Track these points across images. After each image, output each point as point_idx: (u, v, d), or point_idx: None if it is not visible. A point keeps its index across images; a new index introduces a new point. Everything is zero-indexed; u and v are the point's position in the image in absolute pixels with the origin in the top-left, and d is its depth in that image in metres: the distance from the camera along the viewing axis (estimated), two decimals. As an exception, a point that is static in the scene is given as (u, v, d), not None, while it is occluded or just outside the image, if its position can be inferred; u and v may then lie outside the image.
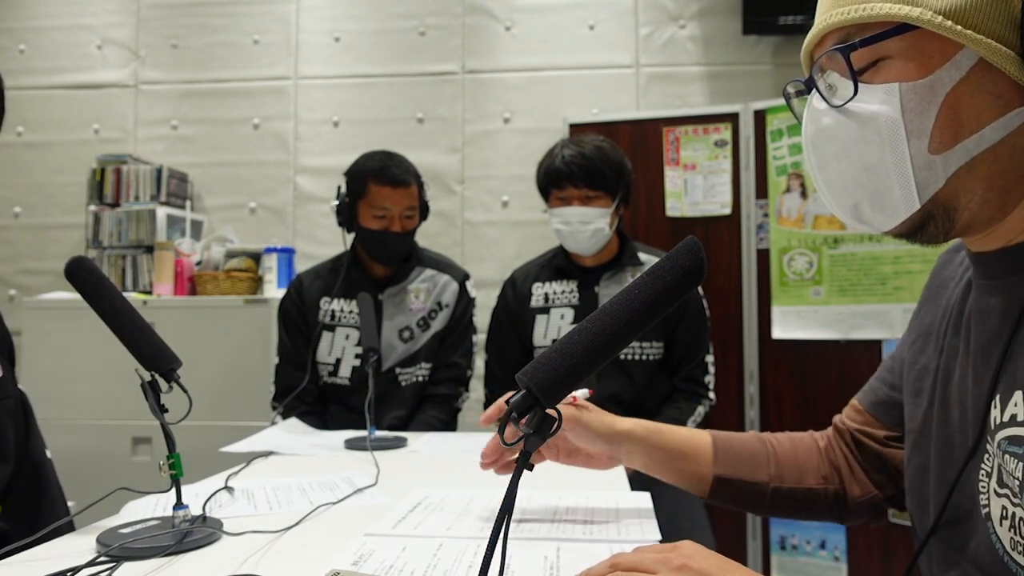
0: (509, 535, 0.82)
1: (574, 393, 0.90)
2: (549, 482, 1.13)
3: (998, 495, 0.60)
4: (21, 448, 1.09)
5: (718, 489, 0.91)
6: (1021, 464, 0.57)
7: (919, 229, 0.63)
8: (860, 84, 0.62)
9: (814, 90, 0.66)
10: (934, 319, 0.77)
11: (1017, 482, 0.57)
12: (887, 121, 0.60)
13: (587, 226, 1.85)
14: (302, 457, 1.39)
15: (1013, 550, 0.58)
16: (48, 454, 1.16)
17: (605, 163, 1.84)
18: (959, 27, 0.57)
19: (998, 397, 0.61)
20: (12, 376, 1.08)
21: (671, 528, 0.90)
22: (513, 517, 0.90)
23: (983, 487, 0.62)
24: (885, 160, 0.61)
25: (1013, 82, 0.57)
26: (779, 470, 0.90)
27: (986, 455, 0.62)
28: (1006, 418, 0.60)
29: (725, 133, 2.50)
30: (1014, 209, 0.62)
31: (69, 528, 0.89)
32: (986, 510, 0.62)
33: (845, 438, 0.91)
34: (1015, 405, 0.59)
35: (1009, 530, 0.58)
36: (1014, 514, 0.58)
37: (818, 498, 0.89)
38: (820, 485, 0.89)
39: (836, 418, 0.95)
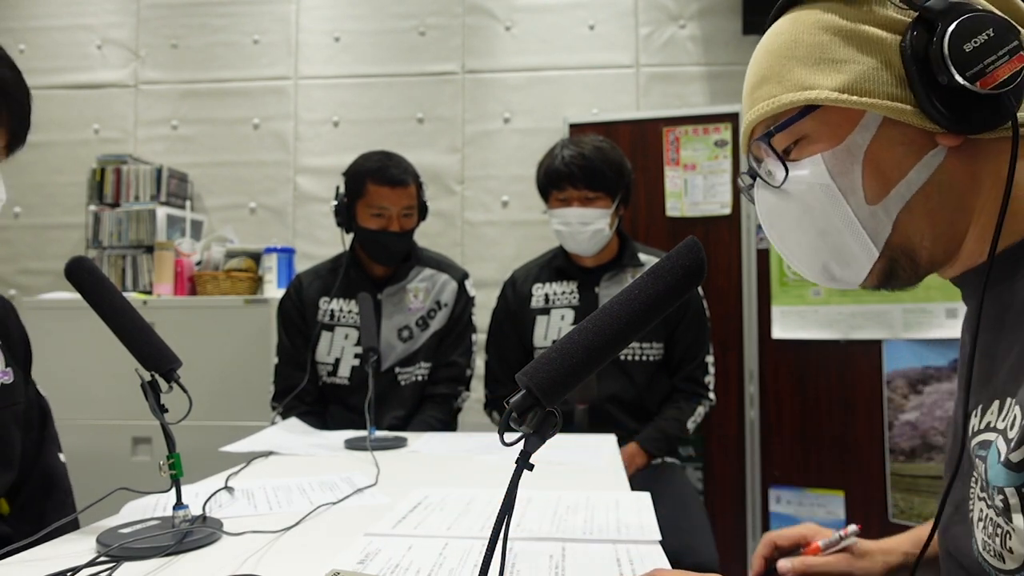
0: (512, 535, 0.83)
1: (848, 530, 0.86)
2: (549, 482, 1.13)
3: (979, 499, 0.62)
4: (32, 453, 1.09)
5: None
6: (984, 466, 0.59)
7: (889, 276, 0.69)
8: (789, 163, 0.69)
9: (757, 177, 0.73)
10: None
11: (985, 483, 0.59)
12: (822, 187, 0.67)
13: (587, 227, 1.85)
14: (302, 457, 1.39)
15: (984, 550, 0.60)
16: (62, 458, 1.16)
17: (605, 164, 1.84)
18: (855, 97, 0.64)
19: (980, 407, 0.63)
20: (23, 381, 1.08)
21: (671, 528, 0.90)
22: (515, 517, 0.91)
23: (971, 493, 0.65)
24: (833, 220, 0.67)
25: (919, 129, 0.63)
26: None
27: (977, 459, 0.64)
28: (982, 425, 0.62)
29: (725, 133, 2.50)
30: (965, 237, 0.66)
31: (70, 528, 0.89)
32: (971, 514, 0.64)
33: None
34: (991, 413, 0.61)
35: (982, 531, 0.60)
36: (987, 515, 0.59)
37: None
38: None
39: None
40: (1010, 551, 0.56)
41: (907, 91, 0.62)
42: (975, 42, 0.59)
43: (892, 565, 0.87)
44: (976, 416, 0.64)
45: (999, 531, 0.57)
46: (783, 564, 0.87)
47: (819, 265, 0.72)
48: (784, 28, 0.70)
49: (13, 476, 1.03)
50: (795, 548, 0.90)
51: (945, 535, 0.71)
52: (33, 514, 1.05)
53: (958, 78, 0.58)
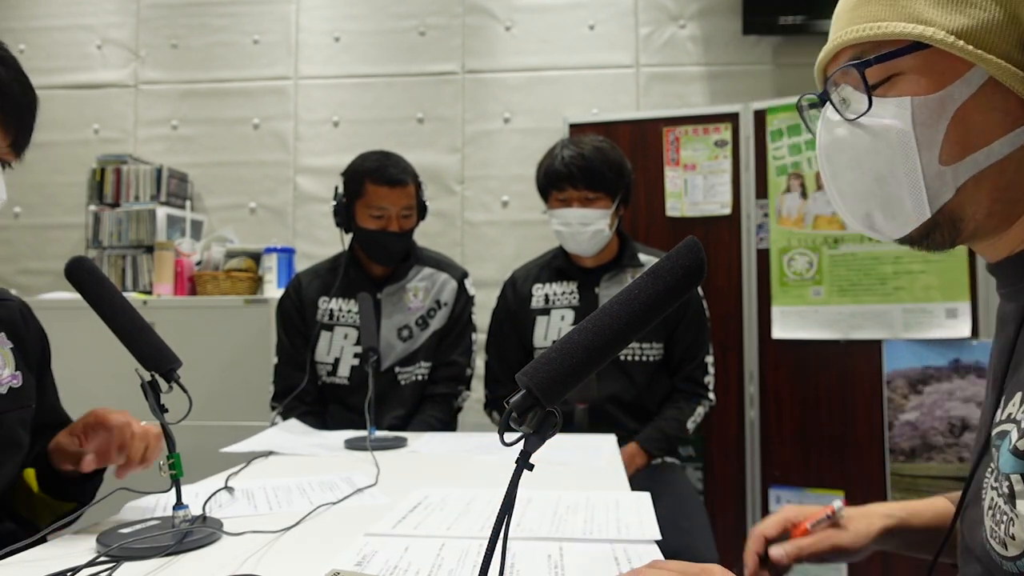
0: (512, 535, 0.83)
1: (834, 507, 0.86)
2: (549, 482, 1.13)
3: (991, 488, 0.62)
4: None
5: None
6: (997, 453, 0.59)
7: (925, 237, 0.66)
8: (874, 98, 0.64)
9: (828, 103, 0.68)
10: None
11: (997, 471, 0.59)
12: (899, 133, 0.62)
13: (587, 228, 1.85)
14: (302, 457, 1.39)
15: (991, 537, 0.60)
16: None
17: (605, 164, 1.84)
18: (970, 47, 0.59)
19: (1004, 398, 0.63)
20: (35, 385, 1.07)
21: (671, 528, 0.90)
22: (515, 517, 0.90)
23: (986, 483, 0.64)
24: (897, 171, 0.63)
25: (1019, 99, 0.59)
26: None
27: (995, 449, 0.65)
28: (1003, 416, 0.62)
29: (725, 133, 2.50)
30: (1017, 220, 0.64)
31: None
32: (983, 503, 0.64)
33: None
34: (1013, 405, 0.60)
35: (991, 518, 0.60)
36: (996, 503, 0.59)
37: None
38: None
39: None
40: (1012, 538, 0.56)
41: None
42: None
43: (875, 529, 0.87)
44: (1001, 407, 0.63)
45: (1004, 518, 0.57)
46: (775, 552, 0.85)
47: (863, 211, 0.68)
48: None
49: (17, 469, 1.03)
50: (783, 535, 0.88)
51: (963, 523, 0.71)
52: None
53: None
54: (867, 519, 0.87)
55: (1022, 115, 0.60)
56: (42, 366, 1.12)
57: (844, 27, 0.66)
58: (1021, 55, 0.59)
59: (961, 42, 0.59)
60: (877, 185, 0.65)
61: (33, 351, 1.09)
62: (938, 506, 0.91)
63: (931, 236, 0.65)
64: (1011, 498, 0.55)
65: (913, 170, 0.63)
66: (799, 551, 0.84)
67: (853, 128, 0.66)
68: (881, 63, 0.63)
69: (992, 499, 0.61)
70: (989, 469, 0.64)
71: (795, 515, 0.89)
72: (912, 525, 0.88)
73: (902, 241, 0.68)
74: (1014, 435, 0.56)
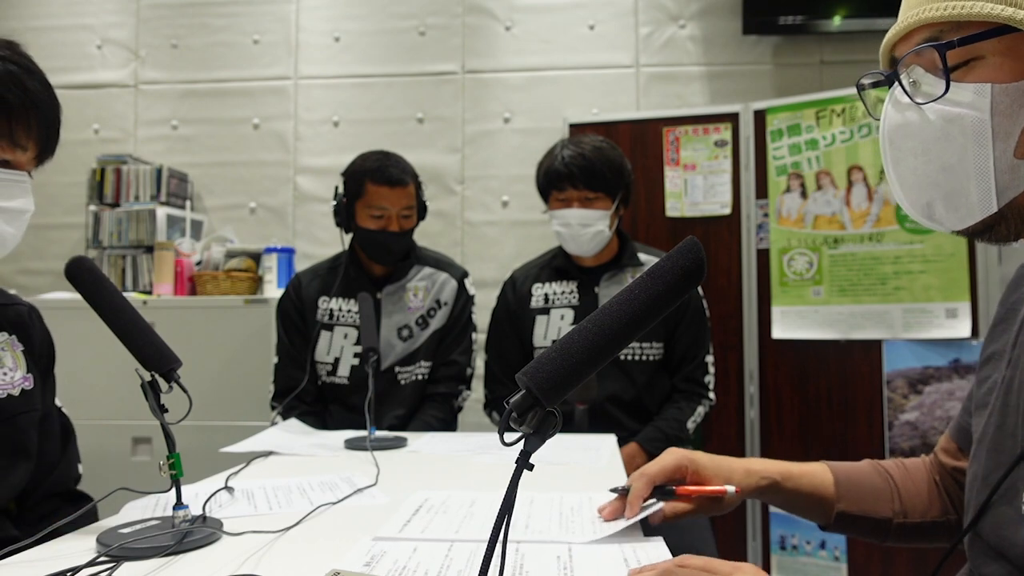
0: (520, 537, 0.83)
1: (726, 489, 0.89)
2: (549, 483, 1.13)
3: None
4: (49, 463, 1.09)
5: (840, 522, 0.91)
6: None
7: (989, 229, 0.63)
8: (951, 82, 0.60)
9: (896, 85, 0.65)
10: (1008, 336, 0.77)
11: None
12: (974, 121, 0.59)
13: (587, 228, 1.85)
14: (302, 457, 1.39)
15: None
16: (80, 469, 1.16)
17: (605, 164, 1.84)
18: None
19: None
20: (42, 390, 1.08)
21: (671, 528, 0.90)
22: (521, 519, 0.91)
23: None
24: (966, 161, 0.60)
25: None
26: (903, 505, 0.90)
27: None
28: None
29: (725, 133, 2.50)
30: None
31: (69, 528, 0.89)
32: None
33: (941, 468, 0.92)
34: None
35: None
36: None
37: (940, 529, 0.89)
38: (942, 517, 0.89)
39: (936, 447, 0.95)
40: None
41: None
42: None
43: (745, 496, 0.89)
44: None
45: None
46: (655, 518, 0.87)
47: (924, 200, 0.65)
48: None
49: (31, 466, 1.03)
50: (670, 489, 0.90)
51: (985, 521, 0.69)
52: (45, 522, 1.05)
53: None
54: (741, 488, 0.89)
55: None
56: (47, 368, 1.12)
57: (920, 4, 0.62)
58: None
59: None
60: (943, 175, 0.62)
61: (41, 354, 1.10)
62: (816, 473, 0.93)
63: (994, 229, 0.63)
64: None
65: (984, 161, 0.59)
66: (675, 515, 0.87)
67: (923, 113, 0.62)
68: (964, 46, 0.59)
69: None
70: None
71: (689, 465, 0.90)
72: (785, 488, 0.90)
73: (962, 234, 0.65)
74: None
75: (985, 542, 0.69)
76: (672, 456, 0.91)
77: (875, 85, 0.69)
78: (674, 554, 0.79)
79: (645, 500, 0.88)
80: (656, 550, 0.80)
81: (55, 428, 1.12)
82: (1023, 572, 0.62)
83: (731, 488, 0.88)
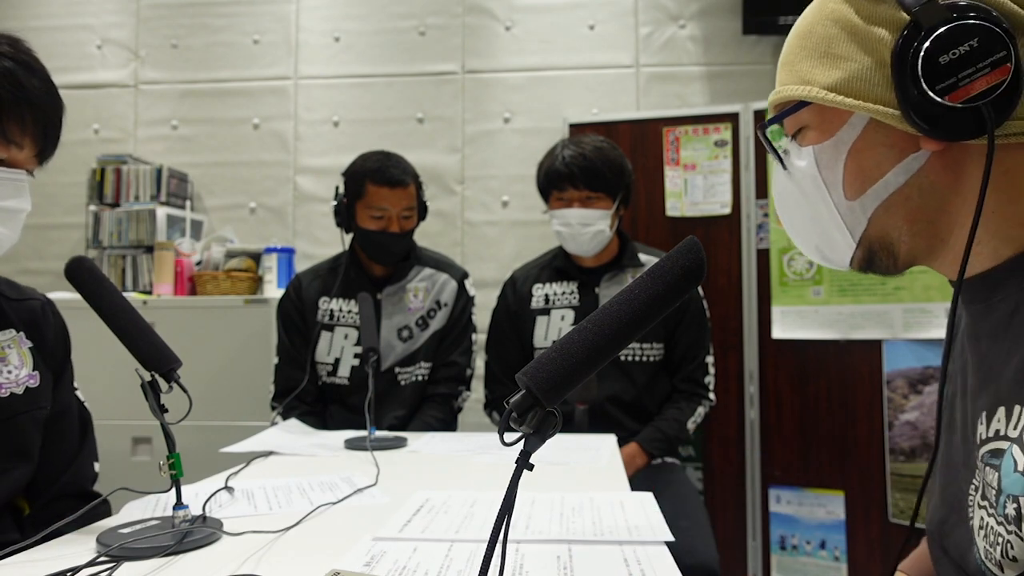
0: (521, 537, 0.83)
1: None
2: (550, 483, 1.13)
3: (980, 507, 0.62)
4: (63, 460, 1.08)
5: None
6: (997, 474, 0.59)
7: (870, 263, 0.71)
8: (791, 149, 0.73)
9: (772, 152, 0.77)
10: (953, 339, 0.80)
11: (994, 491, 0.59)
12: (811, 176, 0.70)
13: (588, 228, 1.85)
14: (302, 457, 1.39)
15: (987, 559, 0.60)
16: (96, 467, 1.15)
17: (605, 164, 1.84)
18: (841, 98, 0.66)
19: (984, 414, 0.63)
20: (54, 387, 1.07)
21: (671, 528, 0.90)
22: (521, 519, 0.91)
23: (971, 501, 0.65)
24: (819, 209, 0.71)
25: (904, 132, 0.64)
26: None
27: (976, 471, 0.65)
28: (991, 433, 0.62)
29: (725, 133, 2.50)
30: (950, 237, 0.67)
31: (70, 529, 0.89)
32: (971, 522, 0.64)
33: None
34: (998, 420, 0.61)
35: (983, 539, 0.60)
36: (988, 524, 0.60)
37: None
38: None
39: None
40: (1013, 559, 0.56)
41: (893, 95, 0.63)
42: (953, 54, 0.59)
43: None
44: (982, 424, 0.63)
45: (1000, 540, 0.57)
46: None
47: (813, 245, 0.76)
48: (809, 12, 0.72)
49: (30, 469, 1.03)
50: None
51: (940, 533, 0.71)
52: (59, 519, 1.05)
53: (927, 91, 0.59)
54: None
55: (908, 146, 0.65)
56: (62, 364, 1.11)
57: (771, 90, 0.75)
58: (890, 94, 0.64)
59: (833, 95, 0.66)
60: (812, 223, 0.73)
61: (54, 349, 1.09)
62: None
63: (873, 263, 0.71)
64: (1017, 520, 0.55)
65: (829, 206, 0.70)
66: None
67: (788, 174, 0.74)
68: (788, 117, 0.71)
69: (982, 519, 0.61)
70: (973, 487, 0.65)
71: None
72: None
73: (858, 270, 0.73)
74: (1017, 454, 0.56)
75: (950, 559, 0.70)
76: None
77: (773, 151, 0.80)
78: (674, 555, 0.79)
79: None
80: (657, 552, 0.80)
81: (71, 425, 1.10)
82: None
83: None
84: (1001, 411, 0.61)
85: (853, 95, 0.65)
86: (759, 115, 2.44)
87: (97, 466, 1.15)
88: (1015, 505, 0.55)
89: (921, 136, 0.63)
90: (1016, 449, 0.57)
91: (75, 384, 1.15)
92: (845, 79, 0.66)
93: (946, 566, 0.72)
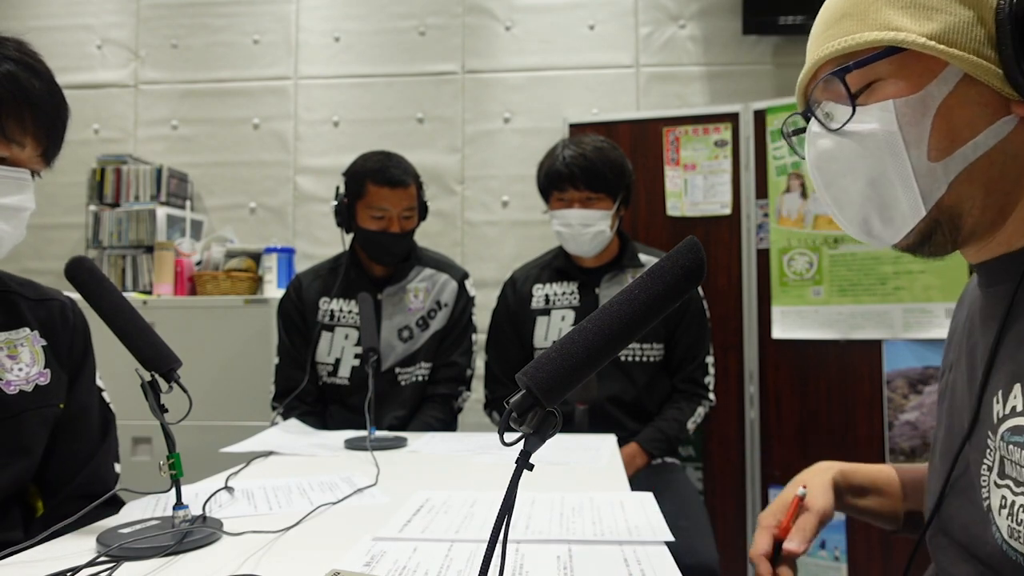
0: (521, 537, 0.83)
1: (797, 493, 0.89)
2: (550, 483, 1.13)
3: (998, 486, 0.62)
4: (78, 460, 1.08)
5: (909, 523, 0.92)
6: (1020, 451, 0.59)
7: (927, 239, 0.67)
8: (857, 106, 0.66)
9: (812, 119, 0.71)
10: (954, 332, 0.80)
11: (1006, 467, 0.59)
12: (886, 135, 0.65)
13: (588, 229, 1.85)
14: (302, 457, 1.39)
15: (1011, 537, 0.60)
16: (117, 468, 1.15)
17: (606, 165, 1.84)
18: (942, 46, 0.62)
19: (1000, 392, 0.63)
20: (69, 386, 1.07)
21: (671, 528, 0.90)
22: (521, 519, 0.91)
23: (984, 480, 0.64)
24: (888, 171, 0.65)
25: (996, 93, 0.62)
26: None
27: (987, 450, 0.64)
28: (1007, 410, 0.61)
29: (725, 133, 2.50)
30: (1012, 213, 0.65)
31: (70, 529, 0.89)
32: (987, 502, 0.63)
33: None
34: (1015, 397, 0.61)
35: (1007, 518, 0.60)
36: (1013, 503, 0.59)
37: None
38: None
39: None
40: None
41: (994, 52, 0.61)
42: None
43: (833, 497, 0.90)
44: (998, 403, 0.63)
45: None
46: (789, 546, 0.87)
47: (860, 217, 0.70)
48: None
49: (30, 471, 1.03)
50: (777, 544, 0.90)
51: (953, 524, 0.71)
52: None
53: None
54: (823, 484, 0.90)
55: (1001, 107, 0.62)
56: (79, 364, 1.10)
57: (820, 45, 0.69)
58: (990, 51, 0.61)
59: (933, 43, 0.62)
60: (871, 188, 0.67)
61: (71, 349, 1.09)
62: (884, 473, 0.94)
63: (932, 237, 0.67)
64: None
65: (904, 169, 0.64)
66: (806, 539, 0.86)
67: (839, 137, 0.68)
68: (860, 68, 0.65)
69: (1004, 498, 0.61)
70: (985, 466, 0.64)
71: (773, 521, 0.89)
72: (856, 477, 0.93)
73: (903, 248, 0.69)
74: None
75: (955, 543, 0.70)
76: (761, 526, 0.90)
77: (796, 131, 0.76)
78: (673, 555, 0.79)
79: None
80: (657, 552, 0.80)
81: (88, 425, 1.10)
82: (995, 571, 0.63)
83: (800, 491, 0.89)
84: (1017, 388, 0.60)
85: (954, 46, 0.62)
86: (759, 115, 2.44)
87: (118, 467, 1.15)
88: None
89: (1015, 100, 0.61)
90: None
91: (100, 384, 1.15)
92: (942, 30, 0.62)
93: (947, 549, 0.71)
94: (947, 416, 0.75)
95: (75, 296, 0.99)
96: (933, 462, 0.78)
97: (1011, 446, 0.60)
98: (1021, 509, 0.58)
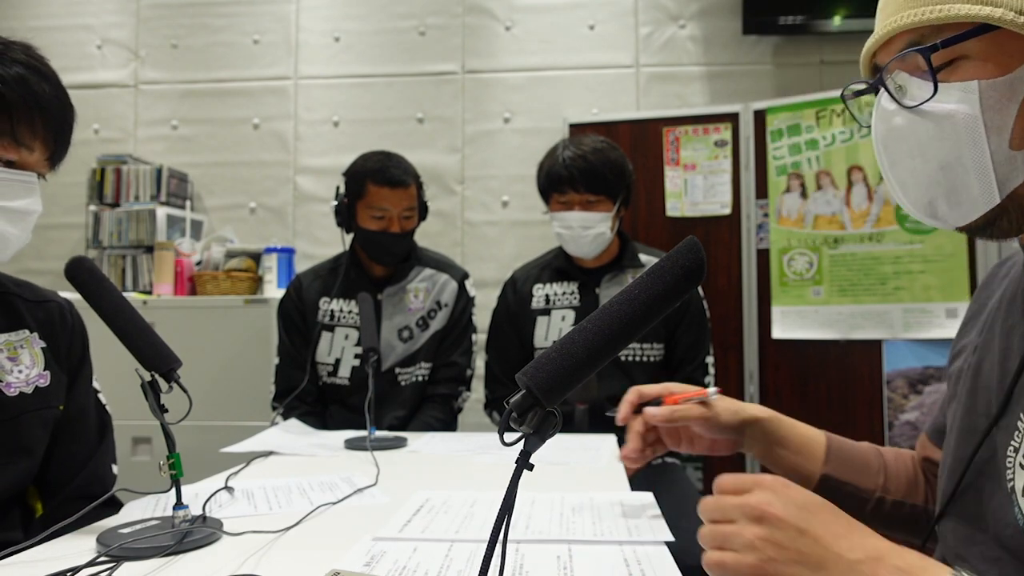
0: (521, 537, 0.83)
1: (707, 391, 0.94)
2: (550, 483, 1.13)
3: (1022, 468, 0.61)
4: (77, 461, 1.08)
5: (822, 488, 0.92)
6: None
7: (992, 224, 0.64)
8: (939, 84, 0.62)
9: (882, 91, 0.66)
10: (976, 330, 0.78)
11: None
12: (965, 118, 0.60)
13: (588, 231, 1.84)
14: (302, 457, 1.39)
15: None
16: (115, 469, 1.15)
17: (606, 167, 1.83)
18: None
19: None
20: (68, 387, 1.07)
21: (671, 528, 0.90)
22: (521, 519, 0.91)
23: (1010, 463, 0.63)
24: (963, 157, 0.61)
25: None
26: (887, 483, 0.91)
27: (1017, 432, 0.63)
28: None
29: (725, 133, 2.50)
30: None
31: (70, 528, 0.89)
32: (1011, 484, 0.62)
33: (923, 460, 0.93)
34: None
35: None
36: None
37: (921, 516, 0.90)
38: (921, 504, 0.90)
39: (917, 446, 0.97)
40: None
41: None
42: None
43: (744, 415, 0.93)
44: None
45: None
46: (649, 411, 0.94)
47: (926, 199, 0.66)
48: None
49: (31, 472, 1.03)
50: (658, 400, 0.97)
51: (960, 497, 0.70)
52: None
53: None
54: (737, 406, 0.94)
55: None
56: (78, 365, 1.11)
57: (899, 11, 0.64)
58: None
59: None
60: (942, 173, 0.63)
61: (70, 351, 1.09)
62: (810, 434, 0.95)
63: (997, 223, 0.64)
64: None
65: (981, 156, 0.61)
66: (671, 413, 0.94)
67: (912, 115, 0.64)
68: (947, 47, 0.61)
69: None
70: (1012, 447, 0.63)
71: (676, 388, 0.96)
72: (782, 427, 0.94)
73: (965, 230, 0.66)
74: None
75: (965, 524, 0.69)
76: (662, 384, 1.00)
77: (860, 93, 0.71)
78: (673, 555, 0.79)
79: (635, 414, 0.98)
80: (657, 552, 0.80)
81: (86, 427, 1.10)
82: (1012, 552, 0.62)
83: (712, 389, 0.94)
84: None
85: None
86: (759, 115, 2.44)
87: (116, 468, 1.15)
88: None
89: None
90: None
91: (96, 387, 1.15)
92: None
93: (957, 530, 0.70)
94: (968, 396, 0.73)
95: (72, 297, 0.99)
96: (948, 441, 0.76)
97: None
98: None
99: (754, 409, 0.95)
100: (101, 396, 1.15)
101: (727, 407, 0.94)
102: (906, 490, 0.91)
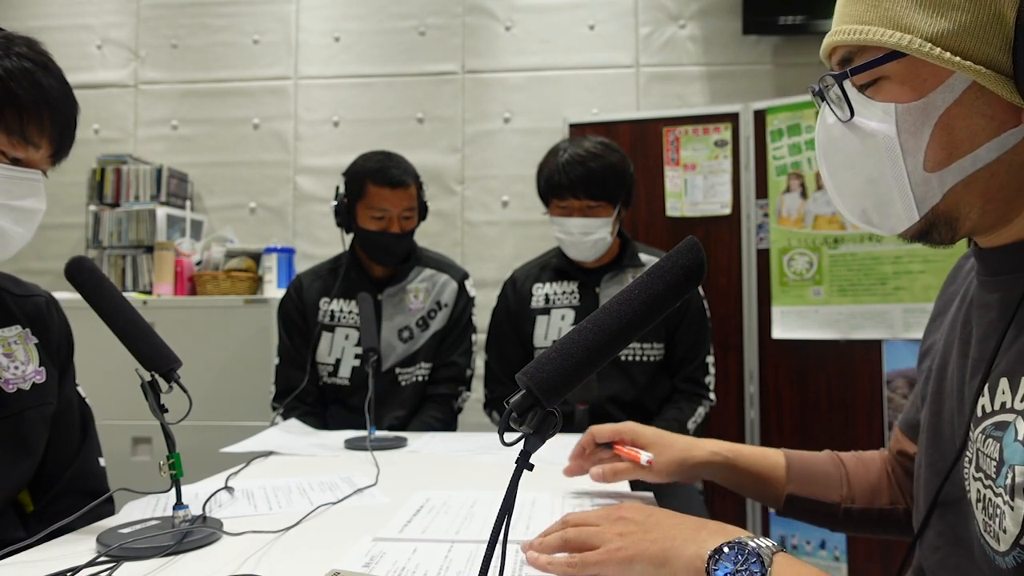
0: (520, 537, 0.83)
1: (640, 457, 0.98)
2: (549, 483, 1.13)
3: (975, 479, 0.62)
4: (67, 456, 1.08)
5: (790, 506, 0.95)
6: (998, 445, 0.58)
7: (925, 234, 0.66)
8: (862, 100, 0.64)
9: (825, 102, 0.68)
10: (943, 327, 0.80)
11: (994, 463, 0.58)
12: (885, 139, 0.62)
13: (589, 236, 1.84)
14: (302, 457, 1.39)
15: (986, 532, 0.59)
16: (102, 462, 1.15)
17: (607, 173, 1.82)
18: (947, 55, 0.58)
19: (986, 387, 0.63)
20: (57, 381, 1.07)
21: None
22: (521, 519, 0.91)
23: (966, 474, 0.64)
24: (885, 174, 0.63)
25: (1007, 102, 0.58)
26: (851, 491, 0.94)
27: (969, 442, 0.64)
28: (996, 406, 0.61)
29: (725, 133, 2.50)
30: (1017, 216, 0.63)
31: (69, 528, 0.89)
32: (969, 495, 0.63)
33: (893, 458, 0.94)
34: (1003, 392, 0.60)
35: (982, 512, 0.60)
36: (985, 495, 0.59)
37: (890, 517, 0.93)
38: (890, 505, 0.93)
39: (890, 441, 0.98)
40: (1003, 531, 0.56)
41: (1009, 58, 0.56)
42: None
43: (689, 465, 0.97)
44: (984, 396, 0.62)
45: (997, 511, 0.57)
46: (595, 471, 1.02)
47: (859, 208, 0.68)
48: None
49: (32, 471, 1.03)
50: (610, 444, 1.04)
51: (947, 517, 0.71)
52: (64, 516, 1.04)
53: None
54: (682, 455, 0.98)
55: (1009, 118, 0.58)
56: (66, 360, 1.11)
57: (837, 24, 0.65)
58: (1005, 57, 0.56)
59: (938, 50, 0.58)
60: (869, 186, 0.65)
61: (58, 345, 1.09)
62: (769, 456, 0.98)
63: (930, 234, 0.65)
64: (1011, 490, 0.54)
65: (900, 175, 0.62)
66: (612, 472, 1.00)
67: (846, 129, 0.65)
68: (864, 71, 0.63)
69: (979, 491, 0.61)
70: (967, 459, 0.64)
71: (629, 434, 1.02)
72: (736, 465, 0.97)
73: (904, 238, 0.67)
74: (1020, 425, 0.56)
75: (941, 532, 0.70)
76: (622, 424, 1.04)
77: (817, 92, 0.73)
78: None
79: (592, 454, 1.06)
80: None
81: (72, 421, 1.10)
82: (973, 562, 0.63)
83: (645, 456, 0.97)
84: (1004, 382, 0.60)
85: (961, 52, 0.57)
86: (759, 115, 2.44)
87: (103, 461, 1.15)
88: (1011, 475, 0.55)
89: None
90: (1020, 420, 0.56)
91: (76, 380, 1.15)
92: (952, 31, 0.57)
93: (937, 537, 0.71)
94: (934, 400, 0.74)
95: (73, 297, 0.99)
96: (922, 440, 0.77)
97: (989, 439, 0.60)
98: (990, 503, 0.58)
99: (702, 452, 0.98)
100: (80, 389, 1.15)
101: (668, 462, 0.97)
102: (871, 496, 0.93)
